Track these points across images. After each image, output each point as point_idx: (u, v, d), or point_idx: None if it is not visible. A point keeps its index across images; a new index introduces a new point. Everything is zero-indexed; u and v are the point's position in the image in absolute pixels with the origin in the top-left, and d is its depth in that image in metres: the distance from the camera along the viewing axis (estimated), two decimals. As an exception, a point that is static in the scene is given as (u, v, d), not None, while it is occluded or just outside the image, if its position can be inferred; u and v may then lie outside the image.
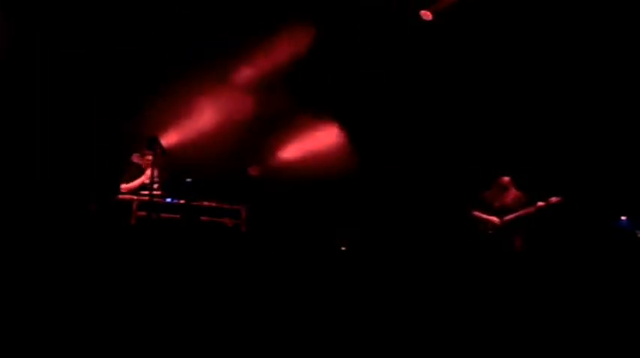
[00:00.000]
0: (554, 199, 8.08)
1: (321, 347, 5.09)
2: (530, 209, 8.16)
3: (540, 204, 8.13)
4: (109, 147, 8.34)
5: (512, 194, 8.30)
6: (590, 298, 6.37)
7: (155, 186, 7.15)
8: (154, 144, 6.99)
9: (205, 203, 7.29)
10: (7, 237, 6.46)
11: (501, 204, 8.28)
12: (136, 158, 7.61)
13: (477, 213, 8.35)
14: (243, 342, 5.03)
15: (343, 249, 8.72)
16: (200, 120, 8.87)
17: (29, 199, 7.90)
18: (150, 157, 7.31)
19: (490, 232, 8.26)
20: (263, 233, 7.74)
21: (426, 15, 8.80)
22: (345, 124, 9.47)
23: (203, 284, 5.97)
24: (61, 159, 8.34)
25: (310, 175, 9.05)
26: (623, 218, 8.80)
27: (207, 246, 6.87)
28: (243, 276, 6.30)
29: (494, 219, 8.26)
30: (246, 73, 9.08)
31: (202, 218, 7.17)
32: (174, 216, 7.11)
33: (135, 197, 7.39)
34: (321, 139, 9.46)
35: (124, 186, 7.62)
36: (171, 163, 7.59)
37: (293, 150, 9.42)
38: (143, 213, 7.04)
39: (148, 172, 7.29)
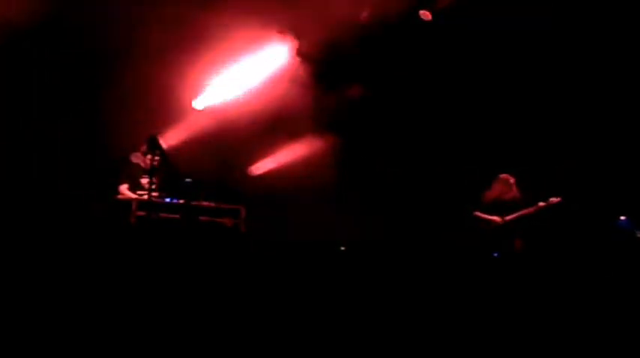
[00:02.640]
0: (554, 199, 8.09)
1: (320, 347, 5.09)
2: (531, 209, 8.17)
3: (541, 204, 8.14)
4: (109, 147, 8.33)
5: (515, 192, 8.30)
6: (591, 298, 6.37)
7: (153, 186, 7.15)
8: (153, 143, 6.98)
9: (205, 203, 7.28)
10: (7, 237, 6.45)
11: (504, 202, 8.26)
12: (135, 158, 7.59)
13: (477, 214, 8.34)
14: (243, 342, 5.03)
15: (343, 249, 8.71)
16: (199, 120, 8.89)
17: (29, 199, 7.89)
18: (150, 157, 7.30)
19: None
20: (263, 233, 7.73)
21: (426, 15, 8.80)
22: (342, 126, 9.48)
23: (202, 284, 5.97)
24: (61, 158, 8.34)
25: (308, 176, 9.06)
26: (622, 218, 8.80)
27: (207, 246, 6.86)
28: (242, 276, 6.30)
29: (496, 218, 8.26)
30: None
31: (202, 218, 7.17)
32: (173, 215, 7.10)
33: (134, 196, 7.38)
34: (316, 143, 9.47)
35: (122, 188, 7.60)
36: (171, 163, 7.58)
37: (290, 152, 9.44)
38: (143, 213, 7.03)
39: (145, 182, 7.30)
